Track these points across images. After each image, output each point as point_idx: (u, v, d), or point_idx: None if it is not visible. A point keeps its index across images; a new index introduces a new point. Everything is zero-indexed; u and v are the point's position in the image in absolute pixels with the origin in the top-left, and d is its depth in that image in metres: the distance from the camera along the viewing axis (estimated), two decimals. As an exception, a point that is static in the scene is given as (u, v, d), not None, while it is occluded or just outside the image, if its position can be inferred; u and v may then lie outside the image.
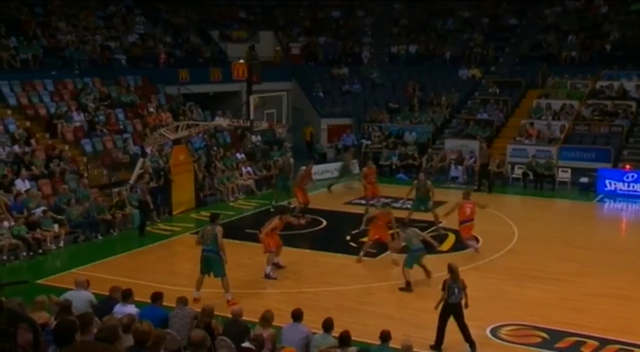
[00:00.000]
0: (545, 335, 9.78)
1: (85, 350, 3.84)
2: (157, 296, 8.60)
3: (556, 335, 9.75)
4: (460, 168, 21.32)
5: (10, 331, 3.87)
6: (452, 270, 9.30)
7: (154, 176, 17.32)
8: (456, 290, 9.18)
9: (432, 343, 9.36)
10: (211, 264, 11.14)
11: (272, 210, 16.62)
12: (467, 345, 9.31)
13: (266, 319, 7.95)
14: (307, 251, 14.25)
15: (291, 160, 19.77)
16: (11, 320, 3.95)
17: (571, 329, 9.92)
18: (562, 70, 24.72)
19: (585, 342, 9.56)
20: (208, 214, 16.20)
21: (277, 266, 12.80)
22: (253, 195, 19.46)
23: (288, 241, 14.43)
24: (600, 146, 21.26)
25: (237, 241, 14.59)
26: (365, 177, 17.45)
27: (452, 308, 9.23)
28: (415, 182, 16.06)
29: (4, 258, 13.35)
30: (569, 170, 20.37)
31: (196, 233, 14.90)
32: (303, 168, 17.86)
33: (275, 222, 12.71)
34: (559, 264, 13.08)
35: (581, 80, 24.08)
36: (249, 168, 20.30)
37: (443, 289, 9.24)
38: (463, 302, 9.31)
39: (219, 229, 11.16)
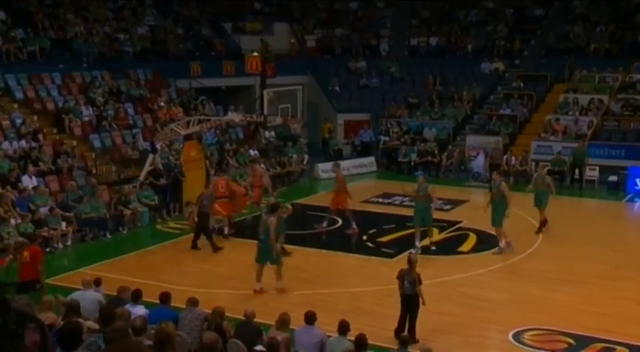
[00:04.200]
0: (571, 340, 9.51)
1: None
2: (165, 297, 8.40)
3: (583, 340, 9.45)
4: (482, 163, 20.57)
5: (17, 332, 3.68)
6: (409, 262, 9.46)
7: (165, 173, 16.90)
8: (406, 282, 9.27)
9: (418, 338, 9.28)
10: (264, 253, 11.43)
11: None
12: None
13: (283, 322, 7.73)
14: (322, 251, 13.91)
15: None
16: (19, 321, 3.77)
17: (599, 335, 9.60)
18: (590, 62, 23.94)
19: (614, 349, 9.30)
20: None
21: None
22: (267, 193, 18.95)
23: (302, 241, 14.07)
24: (630, 143, 20.54)
25: (250, 241, 14.38)
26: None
27: (404, 299, 9.34)
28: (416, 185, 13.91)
29: (11, 256, 12.96)
30: (597, 168, 19.68)
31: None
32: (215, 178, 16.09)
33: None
34: (586, 266, 12.68)
35: (610, 73, 23.34)
36: (262, 165, 19.76)
37: (397, 278, 9.43)
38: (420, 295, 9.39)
39: (272, 220, 11.36)
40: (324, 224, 15.06)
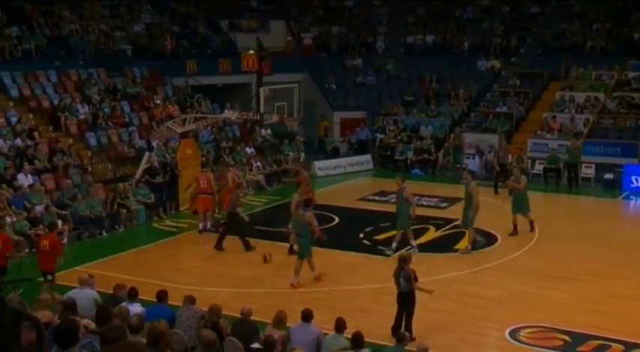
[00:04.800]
0: (566, 337, 9.51)
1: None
2: (162, 295, 8.40)
3: (578, 337, 9.49)
4: (478, 162, 20.56)
5: (13, 330, 3.66)
6: (401, 259, 9.58)
7: (161, 171, 16.86)
8: (401, 280, 9.34)
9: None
10: (302, 247, 11.74)
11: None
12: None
13: (279, 320, 7.73)
14: (319, 249, 13.64)
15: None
16: (14, 319, 3.77)
17: (594, 332, 9.61)
18: (586, 60, 23.92)
19: (610, 346, 9.26)
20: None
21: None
22: (263, 191, 18.98)
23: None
24: (626, 140, 20.49)
25: (247, 238, 14.34)
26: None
27: (400, 296, 9.42)
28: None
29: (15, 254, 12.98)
30: (593, 165, 19.67)
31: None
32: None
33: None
34: (582, 264, 12.66)
35: (606, 71, 23.31)
36: (258, 163, 19.76)
37: (393, 276, 9.55)
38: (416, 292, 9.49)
39: (308, 215, 11.70)
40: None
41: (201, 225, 15.00)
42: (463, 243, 13.91)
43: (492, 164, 19.61)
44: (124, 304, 8.13)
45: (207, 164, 17.62)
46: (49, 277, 10.89)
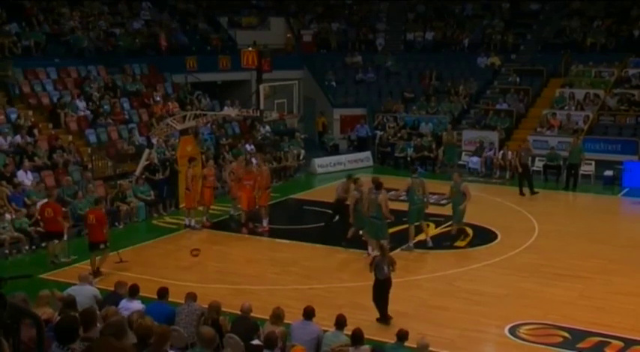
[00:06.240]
0: (566, 334, 9.52)
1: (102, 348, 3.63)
2: (163, 292, 8.43)
3: (578, 334, 9.50)
4: (479, 159, 20.54)
5: (13, 327, 3.72)
6: (382, 249, 10.00)
7: (161, 168, 16.84)
8: (385, 268, 9.64)
9: (387, 323, 9.64)
10: (377, 229, 12.16)
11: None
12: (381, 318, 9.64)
13: (277, 316, 7.76)
14: (318, 246, 13.83)
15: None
16: (14, 316, 3.81)
17: (594, 329, 9.63)
18: (586, 57, 23.95)
19: (609, 342, 9.27)
20: (215, 207, 15.87)
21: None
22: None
23: (298, 236, 14.05)
24: (626, 137, 20.55)
25: (246, 236, 14.37)
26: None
27: (384, 284, 9.71)
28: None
29: (6, 251, 13.12)
30: (593, 162, 19.65)
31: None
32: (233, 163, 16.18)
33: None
34: (582, 261, 12.66)
35: (606, 68, 23.33)
36: (254, 160, 19.70)
37: (370, 264, 9.86)
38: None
39: (382, 198, 12.00)
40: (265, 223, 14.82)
41: (187, 221, 15.13)
42: (463, 241, 13.88)
43: (512, 163, 19.37)
44: (124, 301, 8.19)
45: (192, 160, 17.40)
46: (102, 246, 11.90)
